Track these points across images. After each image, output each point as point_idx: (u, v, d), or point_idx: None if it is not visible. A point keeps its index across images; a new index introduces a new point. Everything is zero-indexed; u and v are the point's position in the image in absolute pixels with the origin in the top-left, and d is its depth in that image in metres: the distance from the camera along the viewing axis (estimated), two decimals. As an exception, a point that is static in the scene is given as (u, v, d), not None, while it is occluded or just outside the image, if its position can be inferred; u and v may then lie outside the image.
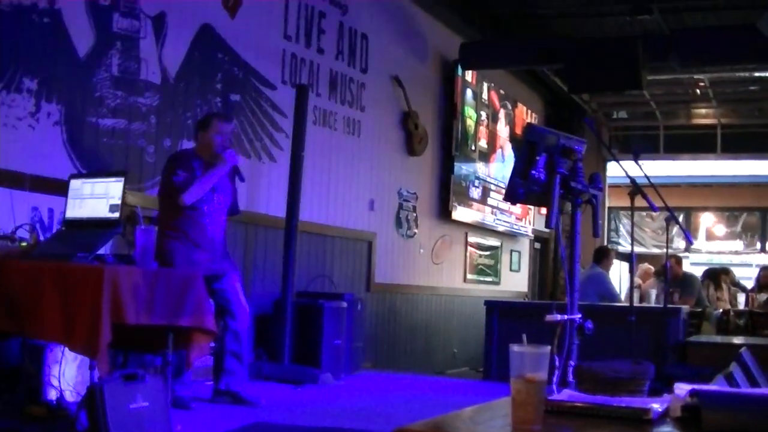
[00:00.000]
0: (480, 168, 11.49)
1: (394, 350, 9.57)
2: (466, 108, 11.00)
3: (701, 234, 18.29)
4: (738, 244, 18.30)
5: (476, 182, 11.33)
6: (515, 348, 1.77)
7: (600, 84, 10.01)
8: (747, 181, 17.25)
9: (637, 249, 16.00)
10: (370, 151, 9.05)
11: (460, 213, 10.82)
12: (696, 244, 17.53)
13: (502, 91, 12.32)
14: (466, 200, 11.02)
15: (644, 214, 16.82)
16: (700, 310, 9.59)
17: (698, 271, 11.88)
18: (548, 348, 1.79)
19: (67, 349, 4.26)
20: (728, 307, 10.72)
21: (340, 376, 7.02)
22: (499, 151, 12.21)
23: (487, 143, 11.77)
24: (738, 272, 13.08)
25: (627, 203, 5.67)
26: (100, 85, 5.82)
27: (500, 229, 12.29)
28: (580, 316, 3.87)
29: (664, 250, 7.86)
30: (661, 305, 7.80)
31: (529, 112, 13.57)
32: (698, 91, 14.17)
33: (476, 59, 10.63)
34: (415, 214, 10.06)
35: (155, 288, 4.10)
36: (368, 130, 8.97)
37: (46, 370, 4.54)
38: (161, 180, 5.53)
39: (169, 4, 6.37)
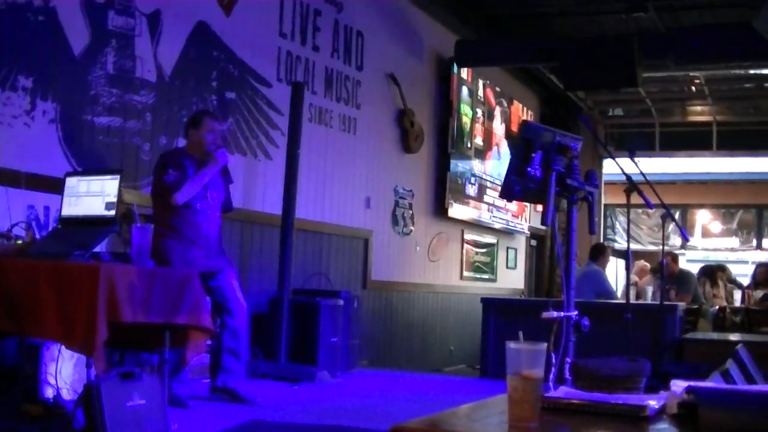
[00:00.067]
0: (476, 165, 11.49)
1: (390, 348, 9.57)
2: (461, 105, 11.01)
3: (697, 231, 18.32)
4: (734, 241, 18.32)
5: (472, 179, 11.33)
6: (512, 345, 1.77)
7: (596, 81, 10.02)
8: (743, 178, 17.26)
9: (633, 246, 16.05)
10: (366, 149, 9.05)
11: (456, 210, 10.83)
12: (692, 242, 17.56)
13: (497, 89, 12.32)
14: (462, 197, 11.03)
15: (640, 211, 16.85)
16: (696, 307, 9.60)
17: (694, 268, 11.89)
18: (545, 345, 1.79)
19: (63, 347, 4.25)
20: (724, 304, 10.73)
21: (336, 374, 7.02)
22: (495, 148, 12.22)
23: (483, 140, 11.77)
24: (734, 269, 13.09)
25: (623, 200, 5.67)
26: (95, 83, 5.81)
27: (496, 226, 12.29)
28: (576, 313, 3.88)
29: (661, 247, 7.86)
30: (658, 302, 7.80)
31: (525, 109, 13.58)
32: (694, 88, 14.18)
33: (472, 57, 10.64)
34: (411, 212, 10.06)
35: (152, 286, 4.10)
36: (364, 128, 8.96)
37: (42, 369, 4.53)
38: (153, 179, 5.52)
39: (164, 1, 6.36)
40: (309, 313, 7.01)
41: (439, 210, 10.64)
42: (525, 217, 13.46)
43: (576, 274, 4.44)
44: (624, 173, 5.16)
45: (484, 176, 11.69)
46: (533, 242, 14.63)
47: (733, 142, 15.34)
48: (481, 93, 11.70)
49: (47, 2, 5.42)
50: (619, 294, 10.05)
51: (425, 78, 10.44)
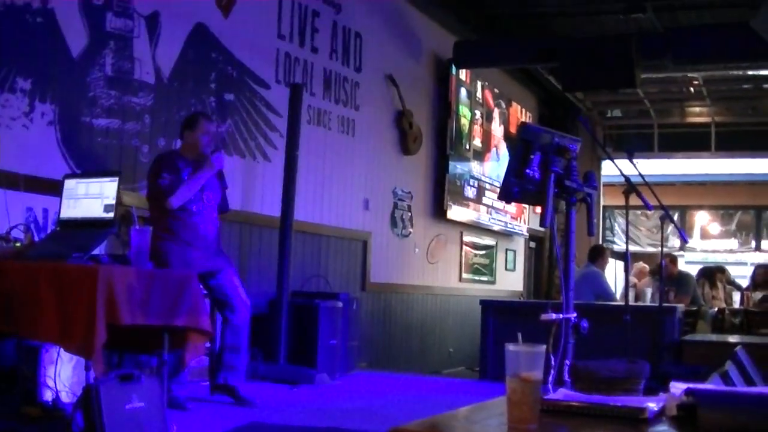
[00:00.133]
0: (475, 167, 11.49)
1: (389, 350, 9.57)
2: (460, 107, 11.01)
3: (696, 232, 18.33)
4: (733, 243, 18.33)
5: (471, 181, 11.34)
6: (511, 347, 1.77)
7: (594, 82, 10.02)
8: (741, 179, 17.27)
9: (632, 248, 16.06)
10: (365, 151, 9.05)
11: (455, 212, 10.83)
12: (691, 243, 17.56)
13: (496, 90, 12.33)
14: (460, 199, 11.03)
15: (639, 212, 16.85)
16: (695, 308, 9.60)
17: (693, 270, 11.88)
18: (544, 347, 1.79)
19: (62, 349, 4.25)
20: (723, 305, 10.73)
21: (335, 376, 7.01)
22: (493, 150, 12.22)
23: (482, 142, 11.77)
24: (733, 271, 13.09)
25: (622, 202, 5.67)
26: (93, 85, 5.81)
27: (495, 228, 12.29)
28: (575, 315, 3.87)
29: (659, 248, 7.86)
30: (657, 304, 7.80)
31: (524, 110, 13.58)
32: (692, 89, 14.19)
33: (470, 58, 10.64)
34: (410, 214, 10.06)
35: (150, 288, 4.09)
36: (363, 130, 8.97)
37: (41, 371, 4.53)
38: (148, 183, 5.51)
39: (162, 3, 6.36)
40: (308, 315, 7.01)
41: (438, 212, 10.64)
42: (524, 218, 13.46)
43: (575, 276, 4.44)
44: (623, 174, 5.15)
45: (482, 178, 11.69)
46: (532, 244, 14.63)
47: (731, 143, 15.34)
48: (479, 94, 11.70)
49: (45, 4, 5.43)
50: (618, 296, 10.06)
51: (424, 79, 10.44)
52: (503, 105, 12.68)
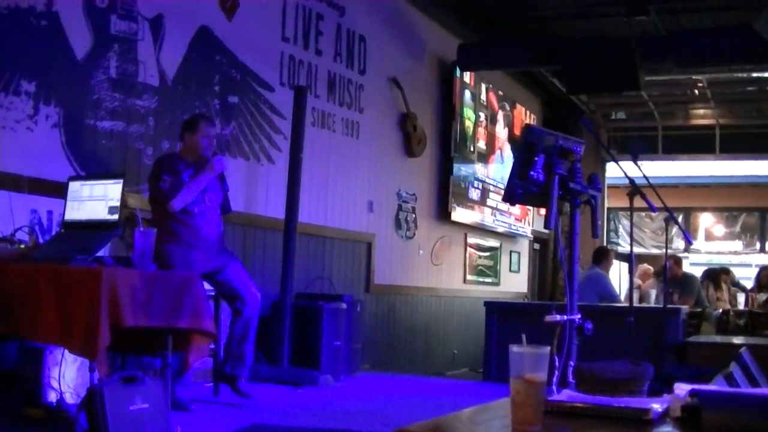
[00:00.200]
0: (479, 169, 11.49)
1: (393, 351, 9.57)
2: (464, 109, 11.01)
3: (700, 234, 18.32)
4: (737, 245, 18.32)
5: (475, 183, 11.33)
6: (515, 349, 1.77)
7: (598, 85, 10.01)
8: (746, 181, 17.27)
9: (637, 249, 16.00)
10: (369, 153, 9.05)
11: (459, 214, 10.83)
12: (695, 245, 17.55)
13: (500, 93, 12.33)
14: (465, 201, 11.02)
15: (643, 214, 16.84)
16: (699, 310, 9.59)
17: (698, 272, 11.88)
18: (548, 348, 1.79)
19: (66, 351, 4.26)
20: (728, 307, 10.72)
21: (339, 377, 7.02)
22: (497, 152, 12.22)
23: (486, 144, 11.77)
24: (737, 272, 13.09)
25: (626, 204, 5.66)
26: (98, 88, 5.82)
27: (499, 229, 12.29)
28: (579, 316, 3.87)
29: (664, 250, 7.85)
30: (661, 305, 7.79)
31: (528, 113, 13.58)
32: (696, 91, 14.17)
33: (474, 60, 10.64)
34: (414, 216, 10.06)
35: (153, 290, 4.10)
36: (367, 132, 8.97)
37: (45, 372, 4.54)
38: (149, 186, 5.53)
39: (166, 6, 6.37)
40: (312, 316, 7.01)
41: (442, 214, 10.64)
42: (528, 220, 13.46)
43: (579, 278, 4.44)
44: (627, 176, 5.15)
45: (487, 180, 11.69)
46: (536, 246, 14.62)
47: (735, 145, 15.32)
48: (483, 97, 11.70)
49: (50, 7, 5.43)
50: (622, 297, 10.04)
51: (428, 82, 10.45)
52: (507, 107, 12.67)
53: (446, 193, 10.61)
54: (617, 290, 10.04)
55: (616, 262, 11.42)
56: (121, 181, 4.50)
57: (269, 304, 7.04)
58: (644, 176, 5.35)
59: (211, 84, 6.88)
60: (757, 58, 9.98)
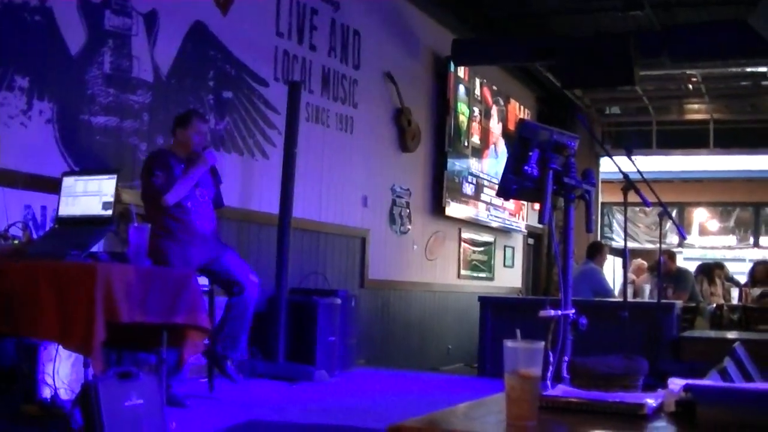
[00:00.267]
0: (473, 164, 11.49)
1: (388, 347, 9.57)
2: (458, 104, 11.01)
3: (694, 229, 18.35)
4: (731, 239, 18.36)
5: (469, 178, 11.33)
6: (509, 344, 1.77)
7: (593, 80, 10.02)
8: (740, 176, 17.29)
9: (631, 244, 16.05)
10: (363, 148, 9.04)
11: (453, 209, 10.83)
12: (689, 240, 17.59)
13: (494, 87, 12.32)
14: (459, 196, 11.03)
15: (637, 209, 16.87)
16: (693, 305, 9.60)
17: (692, 266, 11.90)
18: (542, 344, 1.79)
19: (61, 347, 4.25)
20: (722, 302, 10.73)
21: (334, 373, 7.02)
22: (492, 147, 12.22)
23: (480, 139, 11.77)
24: (731, 267, 13.11)
25: (620, 198, 5.66)
26: (92, 83, 5.80)
27: (494, 224, 12.30)
28: (573, 311, 3.88)
29: (658, 245, 7.86)
30: (655, 300, 7.80)
31: (522, 108, 13.58)
32: (690, 86, 14.17)
33: (468, 55, 10.64)
34: (408, 211, 10.06)
35: (149, 286, 4.10)
36: (361, 127, 8.96)
37: (40, 369, 4.53)
38: (141, 183, 5.53)
39: (160, 1, 6.36)
40: (306, 312, 7.01)
41: (437, 209, 10.64)
42: (522, 215, 13.46)
43: (573, 273, 4.44)
44: (621, 171, 5.15)
45: (481, 175, 11.69)
46: (530, 241, 14.63)
47: (730, 140, 15.33)
48: (478, 92, 11.70)
49: (43, 2, 5.42)
50: (616, 292, 10.06)
51: (422, 77, 10.44)
52: (502, 102, 12.67)
53: (440, 188, 10.61)
54: (611, 285, 10.06)
55: (610, 257, 11.46)
56: (116, 176, 4.49)
57: (264, 300, 7.03)
58: (638, 171, 5.35)
59: (206, 79, 6.87)
60: (752, 53, 9.99)
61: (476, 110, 11.61)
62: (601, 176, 15.23)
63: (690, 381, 1.89)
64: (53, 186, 4.89)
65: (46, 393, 4.51)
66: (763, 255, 16.51)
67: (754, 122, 15.12)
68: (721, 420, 1.71)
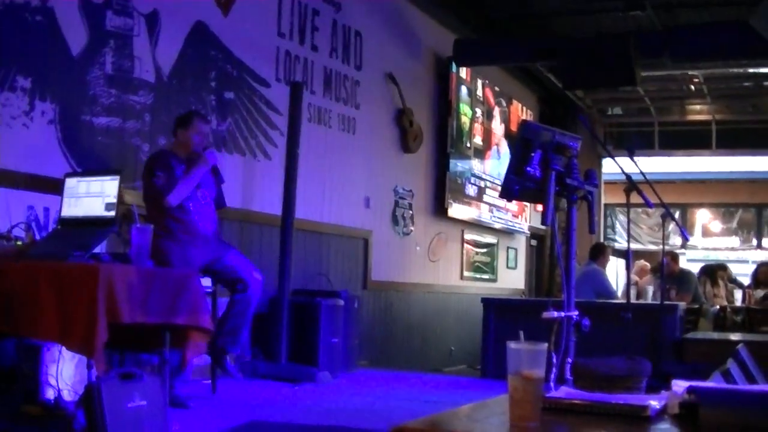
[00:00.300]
0: (475, 165, 11.49)
1: (390, 348, 9.57)
2: (460, 105, 11.01)
3: (697, 230, 18.34)
4: (734, 241, 18.34)
5: (472, 179, 11.33)
6: (512, 345, 1.77)
7: (594, 80, 10.02)
8: (742, 177, 17.28)
9: (633, 246, 16.07)
10: (366, 149, 9.04)
11: (456, 210, 10.83)
12: (692, 241, 17.58)
13: (496, 88, 12.32)
14: (461, 197, 11.02)
15: (640, 210, 16.87)
16: (696, 306, 9.60)
17: (695, 268, 11.89)
18: (545, 345, 1.79)
19: (64, 348, 4.25)
20: (725, 303, 10.73)
21: (336, 374, 7.01)
22: (494, 148, 12.21)
23: (482, 140, 11.77)
24: (734, 268, 13.09)
25: (623, 200, 5.66)
26: (94, 84, 5.81)
27: (496, 226, 12.29)
28: (576, 313, 3.88)
29: (661, 246, 7.86)
30: (658, 302, 7.80)
31: (524, 108, 13.58)
32: (692, 87, 14.17)
33: (470, 56, 10.64)
34: (411, 212, 10.06)
35: (151, 287, 4.10)
36: (363, 128, 8.96)
37: (43, 370, 4.53)
38: (143, 184, 5.53)
39: (162, 1, 6.35)
40: (309, 313, 7.01)
41: (439, 210, 10.64)
42: (525, 216, 13.46)
43: (576, 274, 4.45)
44: (623, 172, 5.15)
45: (483, 176, 11.69)
46: (533, 242, 14.63)
47: (732, 140, 15.33)
48: (480, 92, 11.70)
49: (45, 2, 5.42)
50: (619, 294, 10.05)
51: (424, 78, 10.44)
52: (504, 103, 12.67)
53: (443, 189, 10.61)
54: (614, 286, 10.05)
55: (612, 259, 11.42)
56: (118, 177, 4.49)
57: (266, 301, 7.03)
58: (641, 172, 5.35)
59: (207, 80, 6.87)
60: (754, 54, 10.00)
61: (478, 111, 11.61)
62: (604, 177, 15.24)
63: (693, 383, 1.89)
64: (56, 187, 4.90)
65: (50, 394, 4.51)
66: (766, 256, 16.51)
67: (757, 123, 15.12)
68: (725, 422, 1.71)
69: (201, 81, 6.79)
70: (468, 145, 11.27)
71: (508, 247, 13.23)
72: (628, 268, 7.12)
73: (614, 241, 17.49)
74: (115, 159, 5.94)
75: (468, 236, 11.66)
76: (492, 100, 12.18)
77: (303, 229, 7.71)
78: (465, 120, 11.16)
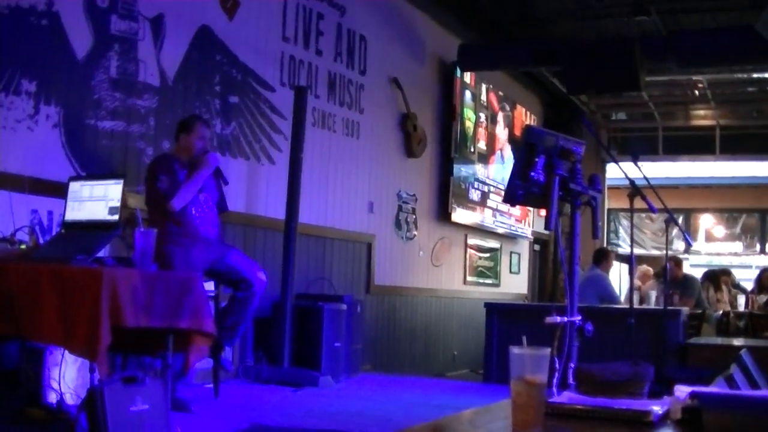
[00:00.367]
0: (479, 170, 11.48)
1: (393, 352, 9.56)
2: (464, 109, 11.00)
3: (701, 235, 18.31)
4: (737, 246, 18.31)
5: (475, 184, 11.33)
6: (515, 350, 1.77)
7: (598, 85, 10.01)
8: (746, 182, 17.26)
9: (637, 251, 16.00)
10: (369, 153, 9.04)
11: (459, 215, 10.82)
12: (695, 246, 17.54)
13: (500, 93, 12.32)
14: (465, 202, 11.02)
15: (643, 215, 16.83)
16: (699, 311, 9.59)
17: (698, 273, 11.88)
18: (548, 350, 1.79)
19: (67, 351, 4.26)
20: (728, 308, 10.72)
21: (339, 378, 7.01)
22: (498, 152, 12.21)
23: (486, 145, 11.76)
24: (738, 274, 13.09)
25: (626, 205, 5.65)
26: (98, 87, 5.81)
27: (500, 230, 12.28)
28: (579, 318, 3.87)
29: (664, 251, 7.85)
30: (661, 307, 7.79)
31: (528, 113, 13.57)
32: (696, 92, 14.17)
33: (475, 61, 10.64)
34: (414, 216, 10.05)
35: (154, 290, 4.10)
36: (367, 132, 8.96)
37: (46, 373, 4.54)
38: (146, 188, 5.53)
39: (167, 5, 6.37)
40: (312, 317, 7.01)
41: (443, 214, 10.64)
42: (528, 221, 13.45)
43: (579, 279, 4.44)
44: (627, 177, 5.15)
45: (487, 181, 11.68)
46: (536, 247, 14.62)
47: (736, 146, 15.32)
48: (484, 97, 11.70)
49: (50, 6, 5.43)
50: (622, 298, 10.05)
51: (428, 82, 10.44)
52: (508, 108, 12.67)
53: (446, 194, 10.60)
54: (617, 291, 10.05)
55: (616, 264, 11.44)
56: (122, 181, 4.50)
57: (270, 305, 7.04)
58: (644, 177, 5.34)
59: (212, 84, 6.88)
60: (758, 59, 10.00)
61: (482, 116, 11.61)
62: (608, 182, 15.24)
63: (696, 388, 1.88)
64: (60, 191, 4.90)
65: (52, 397, 4.51)
66: (769, 261, 16.48)
67: (761, 128, 15.12)
68: (728, 427, 1.71)
69: (205, 85, 6.80)
70: (472, 149, 11.27)
71: (511, 252, 13.22)
72: (631, 273, 7.10)
73: (618, 246, 17.48)
74: (119, 163, 5.95)
75: (471, 241, 11.65)
76: (496, 104, 12.19)
77: (306, 233, 7.71)
78: (469, 125, 11.16)
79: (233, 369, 5.67)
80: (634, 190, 5.23)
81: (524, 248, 13.88)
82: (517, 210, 12.60)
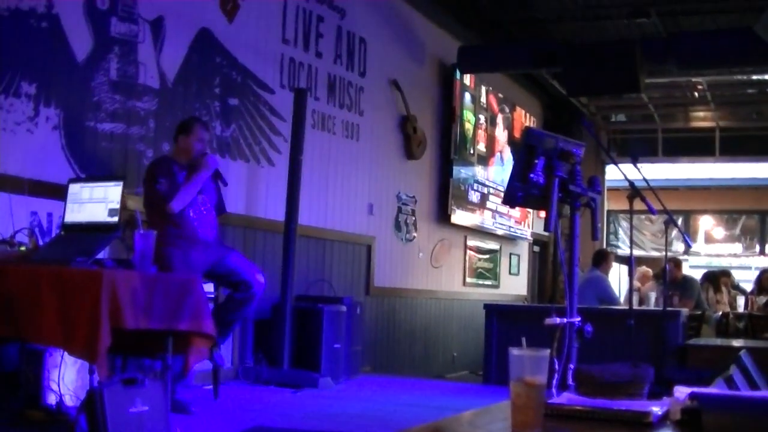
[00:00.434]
0: (479, 171, 11.49)
1: (393, 354, 9.56)
2: (464, 111, 11.01)
3: (700, 237, 18.31)
4: (737, 247, 18.31)
5: (475, 186, 11.33)
6: (515, 351, 1.77)
7: (598, 87, 10.01)
8: (746, 183, 17.26)
9: (636, 252, 16.01)
10: (369, 155, 9.05)
11: (459, 216, 10.82)
12: (695, 247, 17.55)
13: (500, 95, 12.32)
14: (464, 204, 11.02)
15: (643, 217, 16.83)
16: (699, 313, 9.59)
17: (697, 274, 11.89)
18: (548, 351, 1.79)
19: (66, 353, 4.26)
20: (728, 309, 10.72)
21: (339, 380, 7.01)
22: (497, 154, 12.21)
23: (486, 147, 11.76)
24: (737, 275, 13.09)
25: (626, 206, 5.65)
26: (98, 90, 5.81)
27: (499, 232, 12.29)
28: (579, 319, 3.88)
29: (664, 253, 7.85)
30: (661, 308, 7.79)
31: (528, 115, 13.57)
32: (696, 94, 14.17)
33: (474, 63, 10.63)
34: (414, 218, 10.06)
35: (154, 292, 4.10)
36: (367, 134, 8.97)
37: (45, 375, 4.54)
38: (144, 191, 5.53)
39: (167, 8, 6.37)
40: (312, 319, 7.01)
41: (442, 216, 10.64)
42: (528, 223, 13.45)
43: (579, 280, 4.44)
44: (627, 179, 5.15)
45: (486, 182, 11.69)
46: (536, 248, 14.61)
47: (735, 147, 15.31)
48: (483, 99, 11.70)
49: (50, 9, 5.43)
50: (622, 300, 10.04)
51: (428, 84, 10.45)
52: (507, 109, 12.67)
53: (446, 196, 10.60)
54: (617, 293, 10.04)
55: (615, 265, 11.43)
56: (121, 183, 4.50)
57: (269, 307, 7.04)
58: (644, 179, 5.35)
59: (212, 86, 6.88)
60: (758, 61, 9.98)
61: (482, 118, 11.61)
62: (607, 184, 15.23)
63: (696, 389, 1.89)
64: (59, 192, 4.90)
65: (52, 399, 4.51)
66: (769, 263, 16.48)
67: (760, 130, 15.10)
68: (727, 428, 1.71)
69: (205, 87, 6.80)
70: (471, 151, 11.27)
71: (510, 254, 13.22)
72: (630, 274, 7.09)
73: (617, 247, 17.48)
74: (118, 165, 5.95)
75: (471, 242, 11.65)
76: (496, 106, 12.19)
77: (306, 235, 7.71)
78: (468, 126, 11.16)
79: (228, 366, 5.67)
80: (633, 191, 5.24)
81: (524, 250, 13.88)
82: (516, 211, 12.59)
